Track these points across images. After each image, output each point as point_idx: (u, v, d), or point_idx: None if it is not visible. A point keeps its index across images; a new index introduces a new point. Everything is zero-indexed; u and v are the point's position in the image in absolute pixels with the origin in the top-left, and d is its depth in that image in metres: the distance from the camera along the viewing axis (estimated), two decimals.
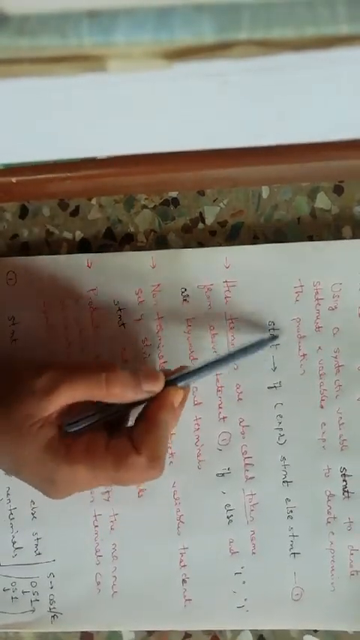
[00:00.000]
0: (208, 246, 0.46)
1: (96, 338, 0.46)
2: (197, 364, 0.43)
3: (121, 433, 0.41)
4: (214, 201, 0.46)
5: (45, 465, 0.39)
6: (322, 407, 0.45)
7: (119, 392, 0.40)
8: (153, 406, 0.41)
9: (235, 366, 0.45)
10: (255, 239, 0.46)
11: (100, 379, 0.40)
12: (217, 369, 0.43)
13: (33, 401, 0.39)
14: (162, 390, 0.41)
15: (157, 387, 0.41)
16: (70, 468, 0.39)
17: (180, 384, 0.42)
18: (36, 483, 0.40)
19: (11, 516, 0.46)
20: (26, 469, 0.40)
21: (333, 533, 0.44)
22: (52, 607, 0.46)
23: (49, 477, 0.39)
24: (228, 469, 0.45)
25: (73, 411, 0.40)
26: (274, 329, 0.45)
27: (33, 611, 0.46)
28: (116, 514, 0.46)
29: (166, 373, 0.42)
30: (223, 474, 0.45)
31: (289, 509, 0.45)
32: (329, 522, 0.44)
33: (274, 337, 0.44)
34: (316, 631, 0.45)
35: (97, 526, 0.46)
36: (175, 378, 0.42)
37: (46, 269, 0.46)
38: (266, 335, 0.44)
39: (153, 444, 0.39)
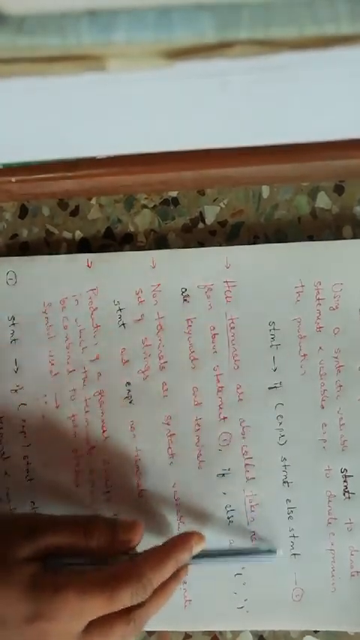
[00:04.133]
0: (208, 246, 0.46)
1: (96, 338, 0.46)
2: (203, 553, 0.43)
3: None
4: (214, 200, 0.46)
5: (29, 602, 0.37)
6: (322, 407, 0.44)
7: (97, 545, 0.40)
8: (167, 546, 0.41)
9: (236, 366, 0.45)
10: (255, 239, 0.46)
11: (79, 531, 0.40)
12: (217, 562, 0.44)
13: (14, 539, 0.39)
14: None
15: (134, 536, 0.41)
16: (58, 596, 0.37)
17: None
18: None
19: None
20: (8, 614, 0.37)
21: (334, 534, 0.44)
22: None
23: (35, 613, 0.37)
24: (228, 469, 0.45)
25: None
26: (274, 329, 0.45)
27: None
28: (116, 514, 0.46)
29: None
30: (223, 475, 0.45)
31: (290, 509, 0.45)
32: (330, 523, 0.44)
33: (272, 552, 0.44)
34: (316, 632, 0.45)
35: None
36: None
37: (46, 269, 0.46)
38: (267, 548, 0.44)
39: (148, 561, 0.40)
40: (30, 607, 0.37)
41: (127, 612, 0.38)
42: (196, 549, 0.42)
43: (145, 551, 0.41)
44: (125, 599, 0.38)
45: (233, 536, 0.45)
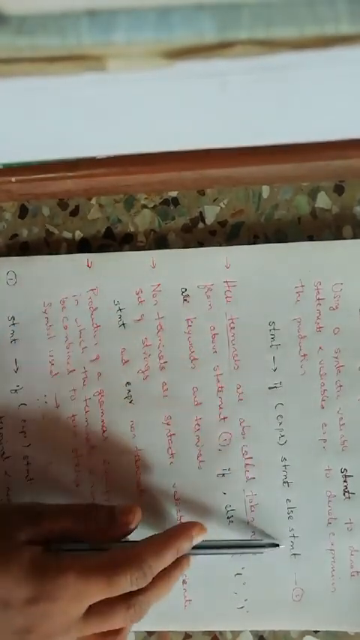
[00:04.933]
0: (208, 246, 0.46)
1: (96, 338, 0.46)
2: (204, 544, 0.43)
3: None
4: (214, 200, 0.46)
5: (30, 584, 0.37)
6: (322, 407, 0.44)
7: (96, 528, 0.41)
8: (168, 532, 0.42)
9: (236, 366, 0.45)
10: (255, 239, 0.46)
11: (79, 516, 0.41)
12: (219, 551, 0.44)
13: (16, 524, 0.40)
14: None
15: (132, 518, 0.42)
16: (59, 578, 0.37)
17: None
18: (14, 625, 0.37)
19: None
20: (11, 596, 0.37)
21: (334, 534, 0.44)
22: None
23: (36, 594, 0.37)
24: (228, 469, 0.45)
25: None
26: (274, 329, 0.45)
27: None
28: None
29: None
30: (223, 475, 0.45)
31: (290, 509, 0.45)
32: (330, 523, 0.44)
33: (275, 545, 0.44)
34: (316, 632, 0.45)
35: None
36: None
37: (46, 269, 0.46)
38: (269, 541, 0.44)
39: (148, 548, 0.40)
40: (31, 588, 0.37)
41: (128, 598, 0.39)
42: (197, 539, 0.42)
43: (147, 538, 0.41)
44: (125, 583, 0.38)
45: (233, 536, 0.45)
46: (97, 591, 0.37)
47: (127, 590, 0.38)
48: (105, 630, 0.39)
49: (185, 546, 0.41)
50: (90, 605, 0.38)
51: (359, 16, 0.22)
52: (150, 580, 0.39)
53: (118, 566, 0.38)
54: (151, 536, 0.41)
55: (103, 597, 0.38)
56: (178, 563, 0.41)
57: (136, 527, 0.42)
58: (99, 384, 0.46)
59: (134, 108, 0.28)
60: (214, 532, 0.45)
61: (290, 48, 0.22)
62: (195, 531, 0.42)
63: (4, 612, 0.37)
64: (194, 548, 0.42)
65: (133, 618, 0.39)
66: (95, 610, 0.38)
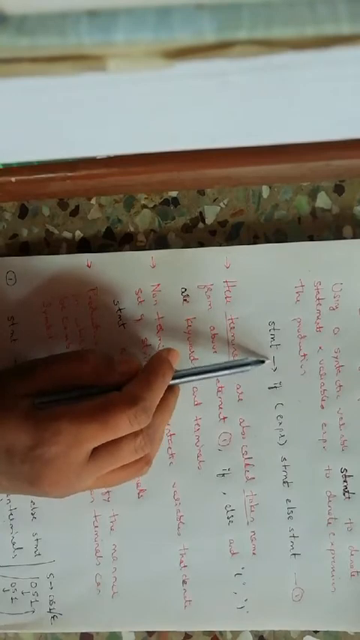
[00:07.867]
0: (208, 246, 0.46)
1: (96, 338, 0.46)
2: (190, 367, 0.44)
3: None
4: (215, 200, 0.46)
5: (29, 431, 0.38)
6: (322, 407, 0.44)
7: (91, 370, 0.41)
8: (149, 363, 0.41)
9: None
10: (255, 239, 0.46)
11: (74, 359, 0.41)
12: (204, 376, 0.44)
13: (13, 379, 0.40)
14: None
15: (130, 368, 0.41)
16: (52, 424, 0.38)
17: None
18: (18, 469, 0.38)
19: (11, 517, 0.46)
20: (5, 442, 0.38)
21: (333, 534, 0.44)
22: (51, 608, 0.46)
23: (35, 440, 0.38)
24: (228, 469, 0.45)
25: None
26: (274, 329, 0.45)
27: (33, 611, 0.46)
28: (116, 514, 0.46)
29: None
30: (223, 475, 0.45)
31: (290, 509, 0.45)
32: (330, 523, 0.44)
33: (260, 361, 0.44)
34: (316, 632, 0.45)
35: (97, 527, 0.46)
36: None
37: (45, 269, 0.46)
38: (255, 358, 0.44)
39: (137, 384, 0.40)
40: (30, 436, 0.38)
41: (135, 432, 0.39)
42: (175, 363, 0.42)
43: (132, 380, 0.41)
44: (122, 423, 0.38)
45: (233, 536, 0.45)
46: (93, 434, 0.38)
47: (129, 430, 0.38)
48: (118, 466, 0.40)
49: (169, 372, 0.41)
50: (97, 448, 0.38)
51: (359, 16, 0.22)
52: (151, 415, 0.39)
53: (110, 406, 0.38)
54: (134, 377, 0.41)
55: (103, 439, 0.38)
56: (170, 390, 0.42)
57: (131, 379, 0.42)
58: None
59: (134, 108, 0.28)
60: (214, 532, 0.45)
61: (290, 48, 0.22)
62: (171, 357, 0.42)
63: (9, 461, 0.38)
64: (183, 376, 0.43)
65: (144, 446, 0.40)
66: (102, 449, 0.39)
